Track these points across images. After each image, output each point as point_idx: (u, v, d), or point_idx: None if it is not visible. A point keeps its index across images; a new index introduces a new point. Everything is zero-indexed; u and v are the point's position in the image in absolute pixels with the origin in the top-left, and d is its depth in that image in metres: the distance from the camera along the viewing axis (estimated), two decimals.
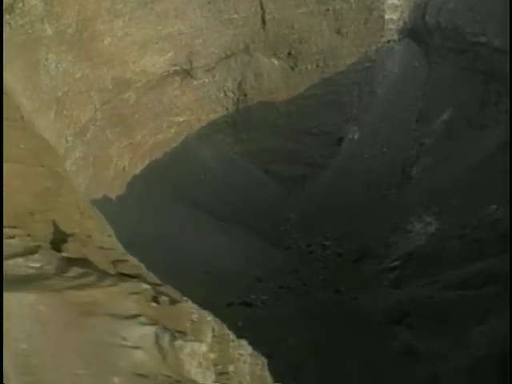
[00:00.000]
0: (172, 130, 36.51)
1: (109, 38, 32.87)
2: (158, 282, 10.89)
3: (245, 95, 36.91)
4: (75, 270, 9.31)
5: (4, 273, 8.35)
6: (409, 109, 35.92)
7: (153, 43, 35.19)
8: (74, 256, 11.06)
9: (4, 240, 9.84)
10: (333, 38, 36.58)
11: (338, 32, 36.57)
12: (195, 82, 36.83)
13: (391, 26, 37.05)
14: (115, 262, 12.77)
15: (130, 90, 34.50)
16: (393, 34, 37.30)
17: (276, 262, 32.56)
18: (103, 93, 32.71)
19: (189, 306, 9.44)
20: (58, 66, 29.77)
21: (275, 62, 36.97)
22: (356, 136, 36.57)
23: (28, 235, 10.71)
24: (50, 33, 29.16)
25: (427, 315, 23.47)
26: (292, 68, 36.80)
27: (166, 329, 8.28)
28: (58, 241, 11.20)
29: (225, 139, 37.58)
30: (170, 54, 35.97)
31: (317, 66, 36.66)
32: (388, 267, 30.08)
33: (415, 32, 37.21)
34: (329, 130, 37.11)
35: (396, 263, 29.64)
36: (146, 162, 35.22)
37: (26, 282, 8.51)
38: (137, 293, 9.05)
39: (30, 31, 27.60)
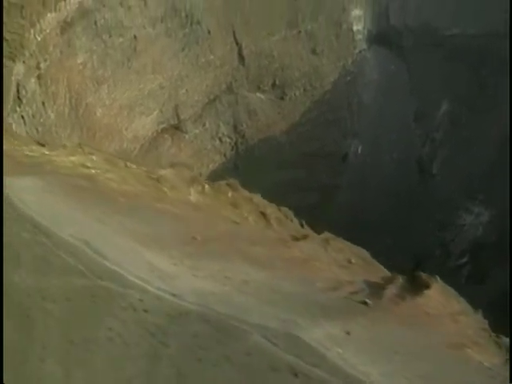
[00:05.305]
0: None
1: (100, 109, 28.93)
2: None
3: (243, 136, 34.76)
4: None
5: None
6: (401, 110, 36.70)
7: (138, 104, 31.72)
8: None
9: None
10: (311, 59, 36.05)
11: (314, 52, 36.12)
12: (187, 136, 33.93)
13: (360, 37, 37.65)
14: None
15: (129, 160, 30.61)
16: (362, 44, 37.93)
17: None
18: None
19: None
20: None
21: (261, 96, 35.37)
22: (360, 149, 36.44)
23: None
24: (52, 117, 24.74)
25: None
26: (281, 98, 35.50)
27: None
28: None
29: None
30: (155, 112, 32.75)
31: (304, 90, 35.81)
32: (456, 265, 30.28)
33: (382, 37, 38.20)
34: (331, 149, 36.43)
35: (464, 259, 29.94)
36: None
37: None
38: None
39: (41, 120, 23.14)
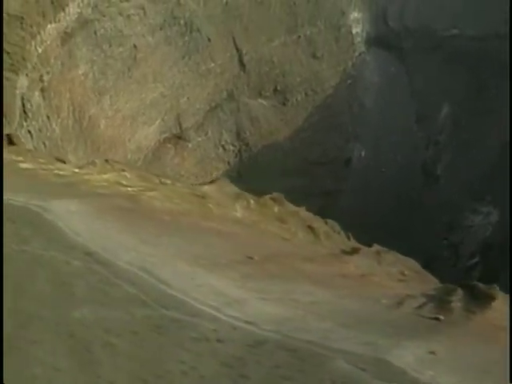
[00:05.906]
0: None
1: (103, 121, 28.45)
2: None
3: (246, 144, 34.40)
4: None
5: None
6: (402, 112, 36.60)
7: (140, 114, 31.27)
8: None
9: None
10: (311, 64, 35.86)
11: (314, 56, 35.97)
12: (190, 145, 33.50)
13: (359, 39, 37.60)
14: None
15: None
16: (361, 47, 37.88)
17: None
18: None
19: None
20: None
21: (263, 102, 35.08)
22: (363, 153, 36.26)
23: None
24: (57, 131, 24.19)
25: None
26: (283, 103, 35.25)
27: None
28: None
29: None
30: (158, 122, 32.32)
31: (306, 95, 35.60)
32: (467, 266, 30.10)
33: (381, 40, 38.16)
34: (334, 154, 36.22)
35: (475, 259, 29.78)
36: None
37: None
38: None
39: (47, 134, 22.59)
